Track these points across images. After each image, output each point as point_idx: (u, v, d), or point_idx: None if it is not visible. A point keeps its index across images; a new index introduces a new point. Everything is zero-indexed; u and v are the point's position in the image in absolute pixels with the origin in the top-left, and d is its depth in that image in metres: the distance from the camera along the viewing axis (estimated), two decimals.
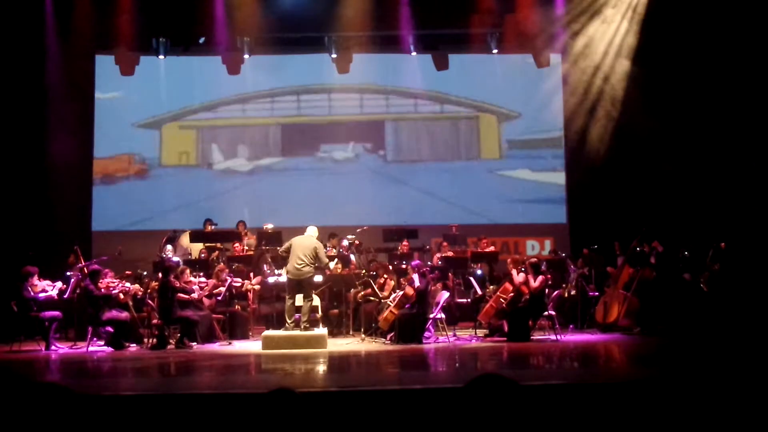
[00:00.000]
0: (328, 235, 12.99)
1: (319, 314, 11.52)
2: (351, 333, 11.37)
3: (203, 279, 11.31)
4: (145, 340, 10.68)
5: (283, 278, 11.00)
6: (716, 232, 12.35)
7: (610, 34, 14.30)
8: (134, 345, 10.52)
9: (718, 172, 13.37)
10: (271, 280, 11.76)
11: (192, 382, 7.72)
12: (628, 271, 11.70)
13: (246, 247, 12.54)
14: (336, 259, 12.08)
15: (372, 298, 11.41)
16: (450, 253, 12.74)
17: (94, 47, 14.30)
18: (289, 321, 10.29)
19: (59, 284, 10.67)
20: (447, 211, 14.80)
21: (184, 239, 13.20)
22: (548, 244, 14.91)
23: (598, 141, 14.38)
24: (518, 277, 10.81)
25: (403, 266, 11.65)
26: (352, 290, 11.59)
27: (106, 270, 10.78)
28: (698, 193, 13.44)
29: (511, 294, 10.75)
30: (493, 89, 15.33)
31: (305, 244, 10.41)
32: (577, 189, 14.92)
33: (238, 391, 6.27)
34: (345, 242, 12.78)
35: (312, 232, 10.72)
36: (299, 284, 10.40)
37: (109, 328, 10.32)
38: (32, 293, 10.30)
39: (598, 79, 14.48)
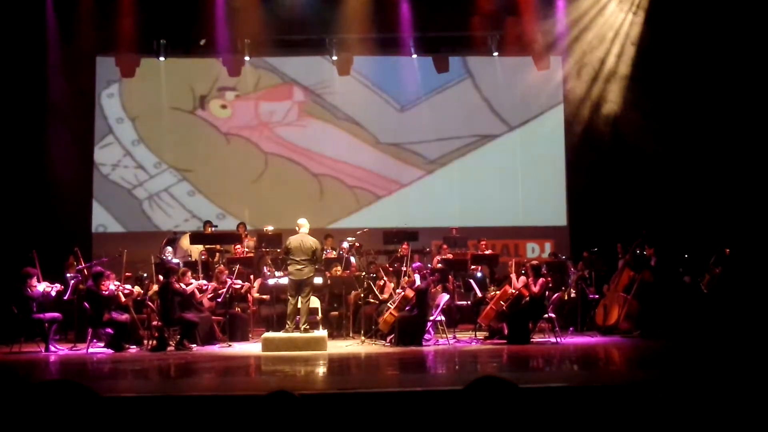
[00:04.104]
0: (324, 235, 12.97)
1: (319, 316, 11.53)
2: (351, 335, 11.37)
3: (204, 281, 11.31)
4: (145, 341, 10.68)
5: (284, 280, 11.00)
6: (718, 235, 12.35)
7: (611, 34, 14.31)
8: (134, 347, 10.52)
9: (720, 174, 13.36)
10: (271, 281, 11.76)
11: (192, 384, 7.71)
12: (628, 273, 11.70)
13: (246, 249, 12.54)
14: (336, 262, 12.09)
15: (372, 300, 11.40)
16: (450, 256, 12.73)
17: (95, 49, 14.33)
18: (289, 323, 10.29)
19: (58, 286, 10.67)
20: (447, 213, 14.80)
21: (184, 241, 13.21)
22: (548, 246, 14.90)
23: (599, 142, 14.39)
24: (518, 283, 10.82)
25: (403, 268, 11.65)
26: (353, 292, 11.60)
27: (109, 272, 10.78)
28: (699, 195, 13.44)
29: (512, 296, 10.75)
30: (493, 91, 15.33)
31: (304, 245, 10.40)
32: (578, 191, 14.91)
33: (238, 393, 6.28)
34: (345, 244, 12.78)
35: (305, 227, 10.68)
36: (300, 285, 10.41)
37: (109, 330, 10.32)
38: (31, 294, 10.31)
39: (599, 80, 14.47)
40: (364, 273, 11.79)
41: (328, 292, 11.96)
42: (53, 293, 10.52)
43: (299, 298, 10.40)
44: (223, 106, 15.25)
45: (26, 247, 11.15)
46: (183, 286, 10.59)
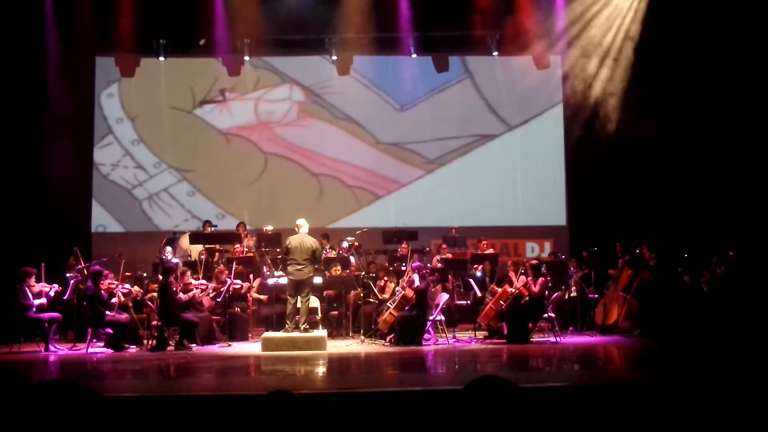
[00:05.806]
0: (320, 235, 12.95)
1: (319, 316, 11.52)
2: (351, 335, 11.37)
3: (203, 281, 11.30)
4: (145, 341, 10.67)
5: (283, 280, 11.00)
6: (718, 234, 12.33)
7: (611, 33, 14.30)
8: (134, 346, 10.51)
9: (720, 173, 13.34)
10: (270, 281, 11.75)
11: (191, 383, 7.71)
12: (627, 273, 11.70)
13: (246, 249, 12.54)
14: (336, 261, 12.08)
15: (371, 299, 11.40)
16: (449, 255, 12.73)
17: (95, 49, 14.33)
18: (289, 322, 10.28)
19: (56, 287, 10.66)
20: (446, 212, 14.80)
21: (184, 241, 13.21)
22: (548, 246, 14.90)
23: (599, 142, 14.38)
24: (518, 282, 10.81)
25: (403, 268, 11.65)
26: (352, 292, 11.59)
27: (107, 272, 10.78)
28: (699, 194, 13.41)
29: (511, 296, 10.74)
30: (493, 91, 15.33)
31: (304, 245, 10.38)
32: (577, 191, 14.91)
33: (238, 393, 6.27)
34: (345, 244, 12.78)
35: (305, 227, 10.66)
36: (300, 285, 10.40)
37: (109, 330, 10.32)
38: (29, 294, 10.29)
39: (598, 79, 14.47)
40: (363, 273, 11.79)
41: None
42: (52, 293, 10.51)
43: (299, 297, 10.40)
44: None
45: (26, 247, 11.16)
46: (181, 294, 10.53)
